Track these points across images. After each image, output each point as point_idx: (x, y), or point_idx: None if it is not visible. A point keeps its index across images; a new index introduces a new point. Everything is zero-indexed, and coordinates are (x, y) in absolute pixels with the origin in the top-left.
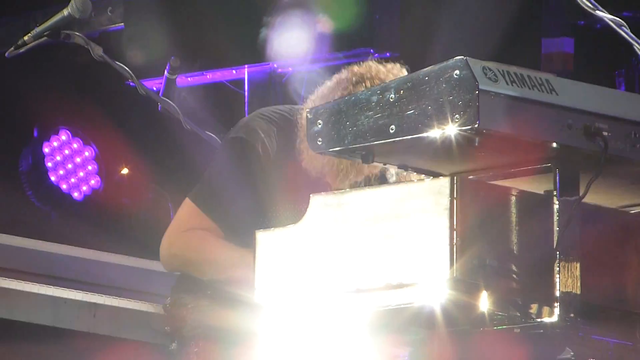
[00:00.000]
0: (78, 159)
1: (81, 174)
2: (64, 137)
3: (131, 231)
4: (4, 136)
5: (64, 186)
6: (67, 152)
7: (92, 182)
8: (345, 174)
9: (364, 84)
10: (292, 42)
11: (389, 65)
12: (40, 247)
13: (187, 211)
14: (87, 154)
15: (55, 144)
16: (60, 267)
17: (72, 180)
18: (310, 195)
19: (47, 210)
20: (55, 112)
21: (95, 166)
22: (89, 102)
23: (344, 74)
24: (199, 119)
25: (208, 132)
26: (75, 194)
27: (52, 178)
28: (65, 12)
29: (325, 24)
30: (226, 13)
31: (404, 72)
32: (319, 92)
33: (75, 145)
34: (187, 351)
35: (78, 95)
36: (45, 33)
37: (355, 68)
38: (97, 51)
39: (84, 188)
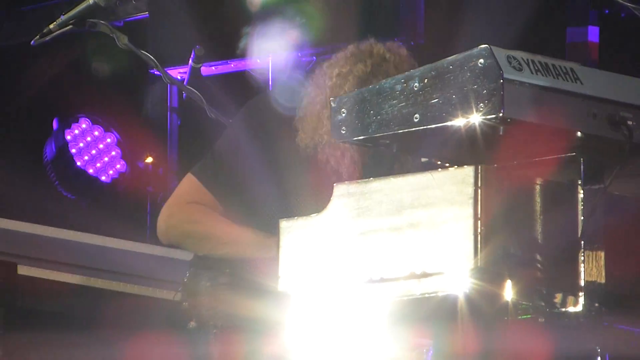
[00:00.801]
0: (101, 145)
1: (106, 158)
2: (84, 125)
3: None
4: (25, 130)
5: (90, 170)
6: (89, 139)
7: (118, 166)
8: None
9: (364, 63)
10: (276, 37)
11: (389, 43)
12: (64, 236)
13: (188, 185)
14: (109, 140)
15: (76, 131)
16: (84, 255)
17: (98, 164)
18: (334, 184)
19: (74, 199)
20: (75, 100)
21: (119, 151)
22: (109, 90)
23: (342, 52)
24: (224, 107)
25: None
26: (103, 177)
27: (78, 163)
28: (90, 0)
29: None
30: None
31: (404, 50)
32: (321, 70)
33: (96, 133)
34: (206, 331)
35: (97, 84)
36: (70, 21)
37: (358, 46)
38: (123, 40)
39: (111, 172)
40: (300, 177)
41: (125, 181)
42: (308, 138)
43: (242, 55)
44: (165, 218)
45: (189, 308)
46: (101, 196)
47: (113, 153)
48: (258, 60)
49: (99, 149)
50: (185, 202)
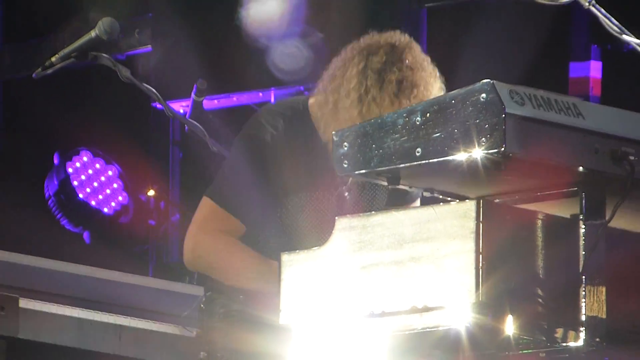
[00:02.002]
0: (103, 178)
1: (108, 190)
2: (85, 158)
3: (157, 252)
4: (26, 163)
5: (93, 202)
6: (90, 171)
7: (120, 197)
8: None
9: (377, 54)
10: (268, 16)
11: (390, 32)
12: (65, 269)
13: (206, 209)
14: (110, 172)
15: (77, 164)
16: (86, 288)
17: (100, 196)
18: (336, 217)
19: (76, 233)
20: (77, 133)
21: (121, 183)
22: (110, 124)
23: (349, 51)
24: (226, 141)
25: None
26: (105, 209)
27: (81, 195)
28: (92, 33)
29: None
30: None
31: (405, 36)
32: (329, 73)
33: (97, 166)
34: None
35: (97, 117)
36: (72, 54)
37: (362, 41)
38: (125, 73)
39: (113, 204)
40: (313, 183)
41: (127, 213)
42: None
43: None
44: (191, 248)
45: (202, 337)
46: (104, 228)
47: (115, 185)
48: (260, 94)
49: (100, 181)
50: (209, 230)
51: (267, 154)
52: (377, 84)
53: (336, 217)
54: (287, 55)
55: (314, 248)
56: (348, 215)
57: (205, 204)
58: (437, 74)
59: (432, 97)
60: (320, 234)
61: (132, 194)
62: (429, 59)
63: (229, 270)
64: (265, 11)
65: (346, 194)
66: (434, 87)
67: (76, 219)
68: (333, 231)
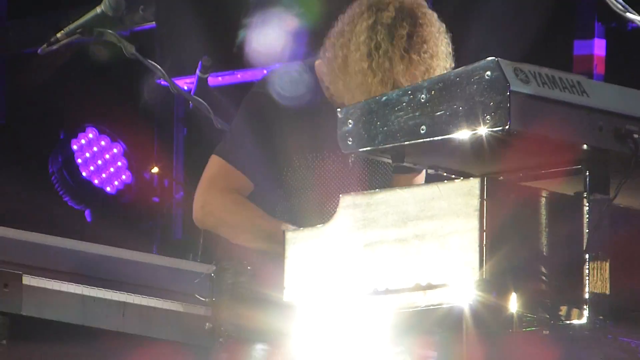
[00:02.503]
0: (107, 155)
1: (112, 169)
2: (91, 135)
3: (161, 230)
4: (31, 139)
5: (95, 181)
6: (95, 149)
7: (124, 176)
8: None
9: (387, 9)
10: (270, 41)
11: None
12: (69, 246)
13: (215, 167)
14: (115, 150)
15: (83, 141)
16: (89, 265)
17: (104, 175)
18: (340, 195)
19: (79, 209)
20: (82, 110)
21: (125, 162)
22: (116, 100)
23: (356, 7)
24: (230, 118)
25: None
26: (108, 188)
27: (84, 174)
28: (98, 9)
29: (295, 23)
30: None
31: None
32: (337, 30)
33: (103, 143)
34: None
35: (104, 93)
36: (78, 30)
37: (361, 2)
38: (130, 49)
39: (116, 182)
40: (321, 144)
41: (130, 192)
42: (347, 95)
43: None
44: (201, 204)
45: (211, 306)
46: (106, 207)
47: (119, 163)
48: (265, 71)
49: (105, 159)
50: (218, 188)
51: (274, 114)
52: (387, 38)
53: (340, 195)
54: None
55: (318, 225)
56: (352, 192)
57: (214, 162)
58: (445, 29)
59: (440, 53)
60: (325, 195)
61: (136, 173)
62: (436, 15)
63: (237, 228)
64: (268, 36)
65: (351, 159)
66: (443, 42)
67: (78, 197)
68: (337, 208)
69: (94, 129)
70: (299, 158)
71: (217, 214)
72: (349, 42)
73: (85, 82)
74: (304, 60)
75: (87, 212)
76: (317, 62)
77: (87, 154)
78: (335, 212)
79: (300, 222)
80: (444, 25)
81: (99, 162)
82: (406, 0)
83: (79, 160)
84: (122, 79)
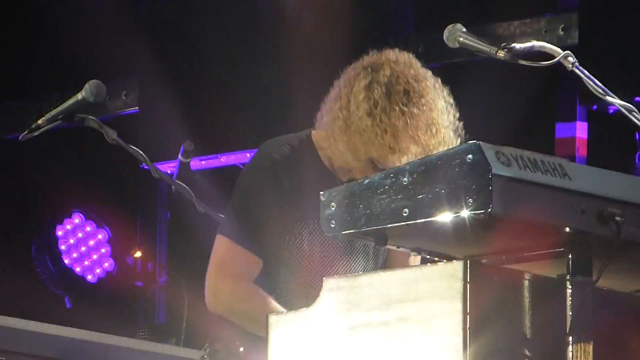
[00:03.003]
0: (91, 242)
1: (95, 256)
2: (77, 220)
3: (144, 314)
4: (18, 222)
5: (77, 269)
6: (80, 234)
7: (106, 264)
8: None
9: (382, 69)
10: None
11: (389, 50)
12: (51, 331)
13: (222, 248)
14: (100, 236)
15: (68, 226)
16: (71, 350)
17: (86, 262)
18: (323, 278)
19: (60, 295)
20: (69, 196)
21: (109, 249)
22: (102, 185)
23: (351, 70)
24: (213, 202)
25: (221, 215)
26: (89, 277)
27: (66, 261)
28: (79, 95)
29: None
30: (239, 97)
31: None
32: (333, 95)
33: (88, 228)
34: None
35: (91, 179)
36: (59, 116)
37: (363, 60)
38: (112, 135)
39: (98, 271)
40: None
41: (111, 281)
42: (348, 157)
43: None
44: (212, 291)
45: None
46: (86, 295)
47: (103, 250)
48: (248, 155)
49: (88, 246)
50: (229, 273)
51: (274, 183)
52: (385, 96)
53: (324, 278)
54: None
55: (302, 309)
56: (335, 275)
57: (221, 243)
58: (440, 83)
59: (440, 105)
60: (327, 264)
61: (119, 260)
62: (430, 72)
63: (248, 317)
64: None
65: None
66: (440, 95)
67: (59, 283)
68: (321, 292)
69: (81, 214)
70: (300, 225)
71: (228, 302)
72: (348, 102)
73: (69, 167)
74: (298, 132)
75: (66, 299)
76: (313, 132)
77: (71, 240)
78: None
79: (304, 288)
80: (439, 80)
81: (83, 248)
82: (400, 58)
83: (63, 247)
84: (106, 164)
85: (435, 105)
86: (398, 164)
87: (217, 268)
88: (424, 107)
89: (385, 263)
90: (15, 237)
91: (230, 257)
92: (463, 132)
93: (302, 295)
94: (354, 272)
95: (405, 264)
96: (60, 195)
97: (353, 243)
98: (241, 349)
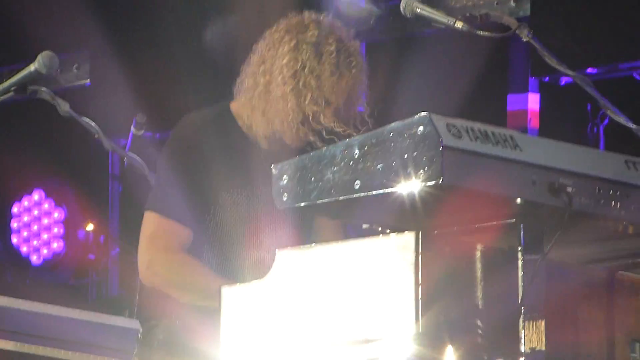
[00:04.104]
0: (46, 220)
1: (45, 236)
2: (36, 197)
3: (97, 287)
4: None
5: (24, 249)
6: (36, 212)
7: (55, 245)
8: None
9: (308, 29)
10: None
11: (307, 11)
12: (3, 303)
13: (152, 222)
14: (56, 215)
15: (26, 203)
16: (24, 322)
17: (35, 242)
18: (276, 250)
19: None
20: (30, 172)
21: (62, 229)
22: (59, 161)
23: (274, 33)
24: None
25: None
26: (34, 258)
27: (14, 240)
28: (32, 67)
29: None
30: (191, 69)
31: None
32: (256, 59)
33: (46, 206)
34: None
35: (44, 154)
36: (11, 88)
37: (285, 22)
38: (64, 107)
39: (45, 251)
40: (249, 179)
41: (57, 262)
42: (267, 126)
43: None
44: (146, 265)
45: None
46: (29, 274)
47: (55, 230)
48: None
49: (42, 224)
50: (161, 246)
51: (195, 155)
52: (315, 57)
53: (276, 250)
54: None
55: (254, 281)
56: (288, 247)
57: (149, 218)
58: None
59: (365, 68)
60: (252, 235)
61: (70, 238)
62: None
63: (184, 289)
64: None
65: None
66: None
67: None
68: (274, 263)
69: (42, 191)
70: (223, 196)
71: (163, 274)
72: (271, 66)
73: (22, 141)
74: (216, 103)
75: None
76: (232, 103)
77: (25, 218)
78: (268, 260)
79: (231, 261)
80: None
81: (35, 227)
82: (324, 20)
83: (14, 225)
84: (58, 137)
85: (363, 66)
86: (329, 121)
87: (148, 242)
88: (355, 69)
89: (313, 232)
90: None
91: (161, 230)
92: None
93: (222, 267)
94: (281, 243)
95: (333, 232)
96: (20, 171)
97: (280, 212)
98: (177, 322)
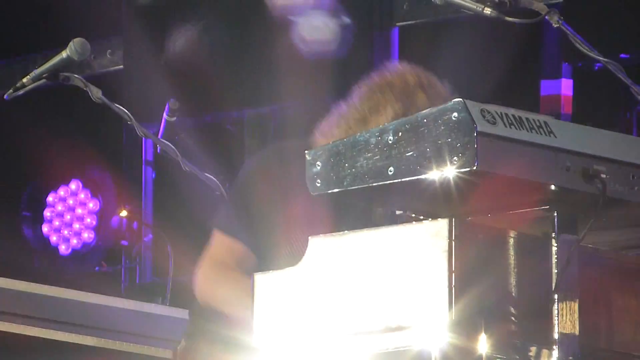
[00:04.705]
0: (79, 210)
1: (77, 225)
2: (73, 187)
3: (129, 273)
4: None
5: (53, 238)
6: (71, 202)
7: (86, 235)
8: None
9: (390, 92)
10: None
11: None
12: (37, 290)
13: (214, 240)
14: (91, 205)
15: (62, 193)
16: (58, 310)
17: (65, 232)
18: (309, 237)
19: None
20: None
21: (95, 221)
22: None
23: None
24: (198, 160)
25: (207, 174)
26: (62, 248)
27: (45, 229)
28: (64, 54)
29: None
30: (226, 57)
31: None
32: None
33: (82, 195)
34: None
35: (78, 140)
36: (44, 75)
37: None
38: (96, 93)
39: (74, 241)
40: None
41: (86, 253)
42: None
43: None
44: (197, 281)
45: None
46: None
47: (88, 220)
48: (235, 115)
49: (74, 214)
50: (216, 263)
51: (273, 182)
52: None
53: (309, 237)
54: (315, 28)
55: (288, 268)
56: (320, 234)
57: (212, 235)
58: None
59: None
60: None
61: (101, 231)
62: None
63: (233, 305)
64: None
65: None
66: None
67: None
68: (306, 251)
69: (80, 182)
70: (302, 232)
71: (209, 290)
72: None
73: (56, 127)
74: (302, 139)
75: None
76: (317, 139)
77: (60, 207)
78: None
79: None
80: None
81: (68, 216)
82: (431, 80)
83: (47, 214)
84: (91, 123)
85: None
86: None
87: (206, 258)
88: None
89: None
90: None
91: (219, 247)
92: None
93: None
94: None
95: None
96: (58, 160)
97: None
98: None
